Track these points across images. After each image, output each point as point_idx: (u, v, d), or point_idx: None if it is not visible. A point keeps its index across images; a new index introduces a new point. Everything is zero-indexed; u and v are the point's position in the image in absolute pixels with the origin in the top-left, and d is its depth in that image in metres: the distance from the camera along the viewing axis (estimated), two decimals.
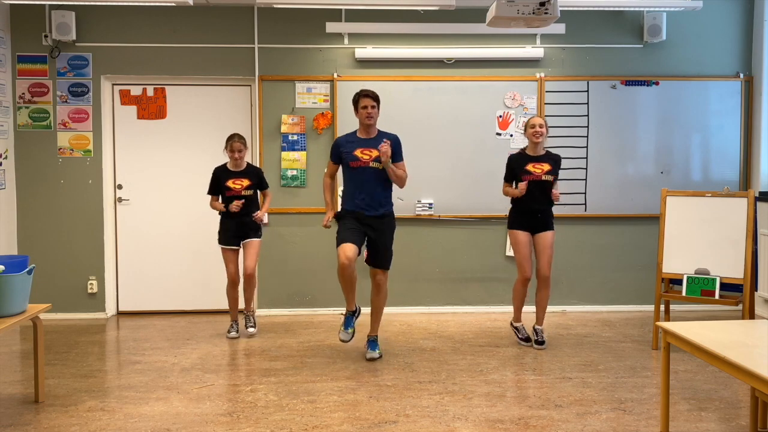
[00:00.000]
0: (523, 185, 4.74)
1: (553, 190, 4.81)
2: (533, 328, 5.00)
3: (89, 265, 5.88)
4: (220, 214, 5.21)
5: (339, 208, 4.77)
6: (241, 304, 5.44)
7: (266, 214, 5.36)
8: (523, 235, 4.85)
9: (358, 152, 4.56)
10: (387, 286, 4.71)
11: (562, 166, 4.99)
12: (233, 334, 5.22)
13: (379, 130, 4.65)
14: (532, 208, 4.82)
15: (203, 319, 5.70)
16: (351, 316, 4.69)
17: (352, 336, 4.66)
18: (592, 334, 5.30)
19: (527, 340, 4.94)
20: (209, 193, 5.22)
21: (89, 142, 5.83)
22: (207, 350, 4.91)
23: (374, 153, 4.54)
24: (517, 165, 4.87)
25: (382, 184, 4.60)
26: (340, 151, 4.61)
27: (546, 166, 4.81)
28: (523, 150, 4.95)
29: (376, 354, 4.65)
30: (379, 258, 4.63)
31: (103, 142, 5.86)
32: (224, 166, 5.22)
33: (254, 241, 5.25)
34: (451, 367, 4.44)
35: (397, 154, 4.60)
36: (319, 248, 5.94)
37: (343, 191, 4.70)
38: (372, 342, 4.72)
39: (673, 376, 4.14)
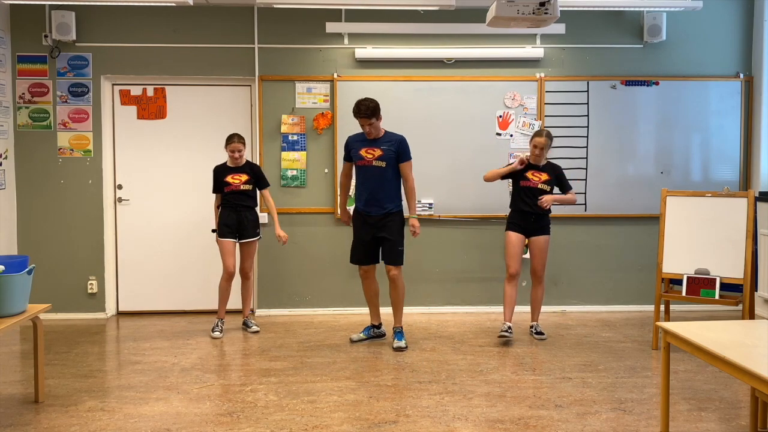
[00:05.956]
0: (519, 160, 5.01)
1: (544, 196, 4.98)
2: (530, 325, 5.21)
3: (89, 265, 5.88)
4: (219, 207, 5.31)
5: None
6: (231, 305, 5.48)
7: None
8: (514, 236, 5.06)
9: (362, 151, 4.80)
10: (402, 281, 4.93)
11: (562, 167, 5.20)
12: (218, 333, 5.23)
13: (386, 131, 4.87)
14: (525, 211, 5.04)
15: (203, 319, 5.69)
16: (371, 327, 5.08)
17: (361, 341, 5.03)
18: (592, 334, 5.30)
19: (501, 337, 4.94)
20: (214, 191, 5.32)
21: (89, 142, 5.83)
22: (207, 350, 4.91)
23: (377, 152, 4.76)
24: (520, 169, 5.09)
25: (384, 184, 4.80)
26: (350, 149, 4.89)
27: (544, 176, 5.05)
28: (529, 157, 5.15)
29: (402, 344, 4.83)
30: (388, 255, 4.86)
31: (103, 142, 5.86)
32: (224, 164, 5.32)
33: (253, 242, 5.34)
34: (451, 367, 4.44)
35: (404, 154, 4.82)
36: (318, 248, 5.94)
37: (355, 189, 5.04)
38: (398, 333, 4.92)
39: (673, 376, 4.14)
